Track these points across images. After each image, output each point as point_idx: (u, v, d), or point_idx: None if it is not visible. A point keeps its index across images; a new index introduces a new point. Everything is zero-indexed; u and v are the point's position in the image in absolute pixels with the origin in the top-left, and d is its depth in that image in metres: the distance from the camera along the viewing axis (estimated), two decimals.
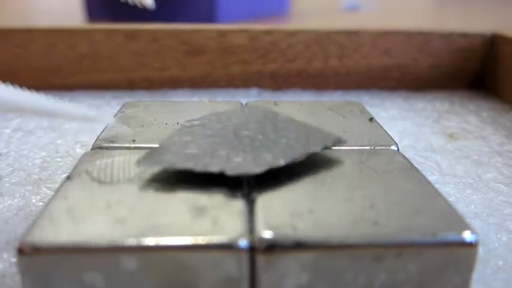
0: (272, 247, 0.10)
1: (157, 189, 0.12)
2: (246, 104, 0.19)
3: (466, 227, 0.11)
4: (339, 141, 0.14)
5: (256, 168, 0.12)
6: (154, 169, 0.13)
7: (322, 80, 0.30)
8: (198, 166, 0.12)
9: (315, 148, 0.14)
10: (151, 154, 0.13)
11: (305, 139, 0.14)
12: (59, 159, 0.19)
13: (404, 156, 0.15)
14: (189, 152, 0.13)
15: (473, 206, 0.16)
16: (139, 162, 0.13)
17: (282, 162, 0.13)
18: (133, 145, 0.15)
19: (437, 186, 0.13)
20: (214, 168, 0.12)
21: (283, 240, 0.10)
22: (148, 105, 0.19)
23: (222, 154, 0.13)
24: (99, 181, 0.13)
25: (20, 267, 0.10)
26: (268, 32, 0.29)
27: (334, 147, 0.15)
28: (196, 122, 0.15)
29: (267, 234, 0.10)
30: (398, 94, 0.30)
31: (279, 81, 0.30)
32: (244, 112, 0.16)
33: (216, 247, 0.10)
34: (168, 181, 0.13)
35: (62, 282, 0.10)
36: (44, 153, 0.20)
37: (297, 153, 0.13)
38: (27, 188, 0.17)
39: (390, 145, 0.15)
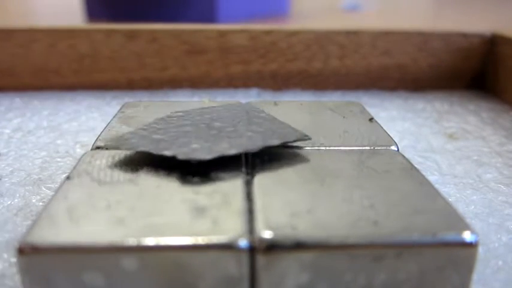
0: (272, 247, 0.10)
1: (157, 189, 0.12)
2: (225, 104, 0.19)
3: (466, 227, 0.11)
4: (301, 138, 0.15)
5: (207, 155, 0.13)
6: (123, 151, 0.14)
7: (322, 80, 0.30)
8: (156, 150, 0.13)
9: (274, 142, 0.14)
10: (121, 137, 0.14)
11: (270, 133, 0.15)
12: (59, 159, 0.19)
13: (404, 157, 0.15)
14: (154, 137, 0.14)
15: (473, 206, 0.16)
16: (106, 146, 0.14)
17: (233, 151, 0.13)
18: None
19: (437, 186, 0.13)
20: (168, 152, 0.13)
21: (283, 240, 0.10)
22: (148, 105, 0.19)
23: (184, 141, 0.14)
24: (99, 181, 0.13)
25: (19, 267, 0.10)
26: (268, 32, 0.29)
27: (332, 147, 0.15)
28: (180, 113, 0.16)
29: (267, 234, 0.10)
30: (398, 94, 0.30)
31: (279, 81, 0.30)
32: (230, 108, 0.17)
33: (216, 247, 0.10)
34: (168, 181, 0.13)
35: (61, 282, 0.10)
36: (44, 153, 0.20)
37: (254, 145, 0.14)
38: (27, 188, 0.17)
39: (390, 145, 0.15)
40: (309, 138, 0.15)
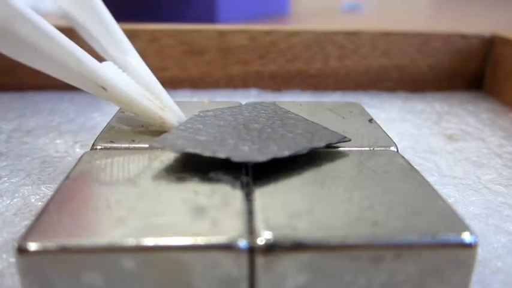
0: (271, 248, 0.10)
1: (156, 189, 0.12)
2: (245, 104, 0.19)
3: (465, 228, 0.11)
4: (343, 140, 0.15)
5: (261, 157, 0.13)
6: (167, 154, 0.14)
7: (321, 81, 0.30)
8: (206, 151, 0.13)
9: (319, 144, 0.14)
10: (163, 138, 0.14)
11: (310, 135, 0.15)
12: (58, 159, 0.19)
13: (403, 157, 0.15)
14: (199, 138, 0.14)
15: (472, 207, 0.16)
16: (151, 145, 0.14)
17: (286, 153, 0.13)
18: (133, 145, 0.15)
19: (436, 187, 0.13)
20: (221, 154, 0.13)
21: (283, 241, 0.10)
22: None
23: (230, 142, 0.14)
24: (99, 181, 0.13)
25: (19, 267, 0.10)
26: (268, 32, 0.29)
27: (334, 148, 0.15)
28: (210, 113, 0.16)
29: (267, 234, 0.10)
30: (397, 95, 0.30)
31: (278, 82, 0.30)
32: (256, 107, 0.17)
33: (215, 247, 0.10)
34: (168, 181, 0.13)
35: (61, 282, 0.10)
36: (43, 153, 0.20)
37: (301, 146, 0.14)
38: (27, 187, 0.17)
39: (389, 146, 0.16)
40: (349, 140, 0.15)
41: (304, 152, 0.14)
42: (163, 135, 0.14)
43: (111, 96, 0.15)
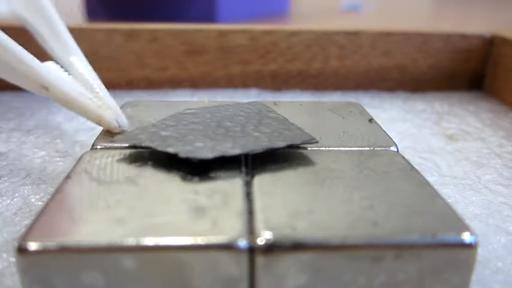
0: (271, 247, 0.10)
1: (156, 189, 0.12)
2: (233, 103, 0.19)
3: (466, 228, 0.11)
4: (309, 141, 0.15)
5: (209, 154, 0.13)
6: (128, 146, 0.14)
7: (321, 81, 0.30)
8: (160, 146, 0.13)
9: (279, 144, 0.14)
10: (129, 132, 0.14)
11: (277, 135, 0.15)
12: (58, 159, 0.19)
13: (403, 157, 0.15)
14: (162, 134, 0.14)
15: (472, 207, 0.16)
16: (115, 140, 0.15)
17: (237, 151, 0.13)
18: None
19: (436, 187, 0.13)
20: (171, 149, 0.13)
21: (283, 241, 0.10)
22: (148, 105, 0.19)
23: (190, 139, 0.14)
24: (99, 181, 0.13)
25: (19, 267, 0.10)
26: (268, 32, 0.29)
27: (331, 148, 0.15)
28: (191, 110, 0.16)
29: (267, 234, 0.10)
30: (397, 95, 0.30)
31: (278, 82, 0.30)
32: (242, 107, 0.17)
33: (215, 247, 0.10)
34: (168, 181, 0.13)
35: (60, 281, 0.10)
36: (43, 153, 0.20)
37: (259, 146, 0.14)
38: (27, 187, 0.17)
39: (390, 146, 0.15)
40: (316, 142, 0.15)
41: (259, 151, 0.13)
42: (132, 130, 0.15)
43: (53, 96, 0.16)
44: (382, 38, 0.29)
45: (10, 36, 0.15)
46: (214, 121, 0.15)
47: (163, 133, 0.14)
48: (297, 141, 0.14)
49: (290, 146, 0.14)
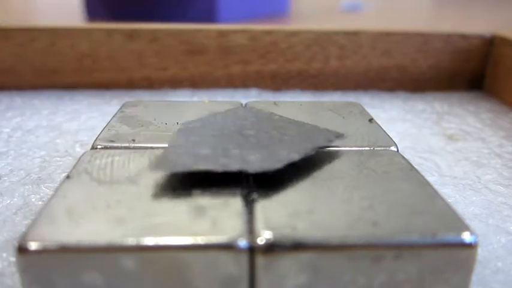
0: (271, 247, 0.10)
1: (156, 189, 0.12)
2: (245, 104, 0.19)
3: (466, 228, 0.11)
4: (340, 136, 0.15)
5: (277, 163, 0.13)
6: (169, 173, 0.13)
7: (321, 81, 0.30)
8: (216, 166, 0.12)
9: (321, 142, 0.14)
10: (164, 158, 0.13)
11: (306, 136, 0.15)
12: (58, 159, 0.19)
13: (403, 157, 0.15)
14: (201, 153, 0.13)
15: (472, 207, 0.16)
16: (153, 168, 0.13)
17: (296, 156, 0.13)
18: (133, 145, 0.15)
19: (436, 187, 0.13)
20: (233, 167, 0.12)
21: (283, 241, 0.10)
22: (148, 105, 0.19)
23: (235, 152, 0.13)
24: (99, 181, 0.13)
25: (19, 267, 0.10)
26: (268, 32, 0.29)
27: (334, 148, 0.15)
28: (196, 123, 0.15)
29: (267, 234, 0.10)
30: (397, 95, 0.30)
31: (278, 82, 0.30)
32: (238, 113, 0.17)
33: (215, 247, 0.10)
34: (168, 181, 0.13)
35: (61, 281, 0.10)
36: (43, 153, 0.20)
37: (306, 148, 0.14)
38: (27, 187, 0.17)
39: (390, 146, 0.16)
40: (343, 135, 0.15)
41: (312, 153, 0.14)
42: (163, 157, 0.13)
43: None
44: (382, 38, 0.29)
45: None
46: (232, 131, 0.15)
47: (201, 151, 0.13)
48: (332, 138, 0.15)
49: (329, 143, 0.15)
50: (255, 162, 0.13)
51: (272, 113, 0.17)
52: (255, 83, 0.30)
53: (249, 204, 0.12)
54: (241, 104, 0.19)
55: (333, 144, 0.15)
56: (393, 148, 0.15)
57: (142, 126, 0.17)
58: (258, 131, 0.15)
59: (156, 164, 0.13)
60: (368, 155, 0.15)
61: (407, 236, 0.10)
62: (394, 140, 0.16)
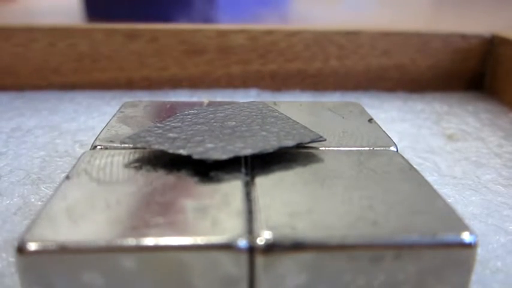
0: (271, 247, 0.10)
1: (156, 189, 0.12)
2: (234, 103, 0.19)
3: (465, 228, 0.11)
4: (317, 139, 0.15)
5: (222, 155, 0.13)
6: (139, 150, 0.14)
7: (321, 81, 0.30)
8: (171, 148, 0.13)
9: (289, 143, 0.14)
10: (136, 134, 0.14)
11: (284, 134, 0.15)
12: (58, 159, 0.19)
13: (403, 157, 0.15)
14: (170, 136, 0.14)
15: (472, 207, 0.16)
16: (122, 141, 0.14)
17: (249, 151, 0.13)
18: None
19: (436, 187, 0.13)
20: (183, 151, 0.13)
21: (283, 241, 0.10)
22: (148, 105, 0.19)
23: (199, 140, 0.14)
24: (98, 181, 0.13)
25: (18, 267, 0.10)
26: (268, 32, 0.29)
27: (331, 148, 0.15)
28: (193, 111, 0.16)
29: (267, 234, 0.10)
30: (397, 95, 0.30)
31: (278, 82, 0.30)
32: (243, 106, 0.17)
33: (215, 247, 0.10)
34: (168, 181, 0.13)
35: (60, 281, 0.10)
36: (43, 153, 0.20)
37: (268, 145, 0.14)
38: (26, 187, 0.17)
39: (389, 146, 0.16)
40: (324, 139, 0.15)
41: (271, 150, 0.14)
42: (137, 132, 0.15)
43: None
44: (382, 38, 0.29)
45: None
46: (218, 121, 0.15)
47: (171, 134, 0.14)
48: (305, 140, 0.14)
49: (298, 145, 0.14)
50: (206, 150, 0.13)
51: (275, 109, 0.17)
52: (255, 83, 0.30)
53: (249, 204, 0.12)
54: None
55: (309, 145, 0.15)
56: (393, 148, 0.15)
57: (142, 126, 0.17)
58: (240, 124, 0.15)
59: (125, 138, 0.14)
60: (368, 155, 0.15)
61: (407, 236, 0.11)
62: (393, 140, 0.16)
